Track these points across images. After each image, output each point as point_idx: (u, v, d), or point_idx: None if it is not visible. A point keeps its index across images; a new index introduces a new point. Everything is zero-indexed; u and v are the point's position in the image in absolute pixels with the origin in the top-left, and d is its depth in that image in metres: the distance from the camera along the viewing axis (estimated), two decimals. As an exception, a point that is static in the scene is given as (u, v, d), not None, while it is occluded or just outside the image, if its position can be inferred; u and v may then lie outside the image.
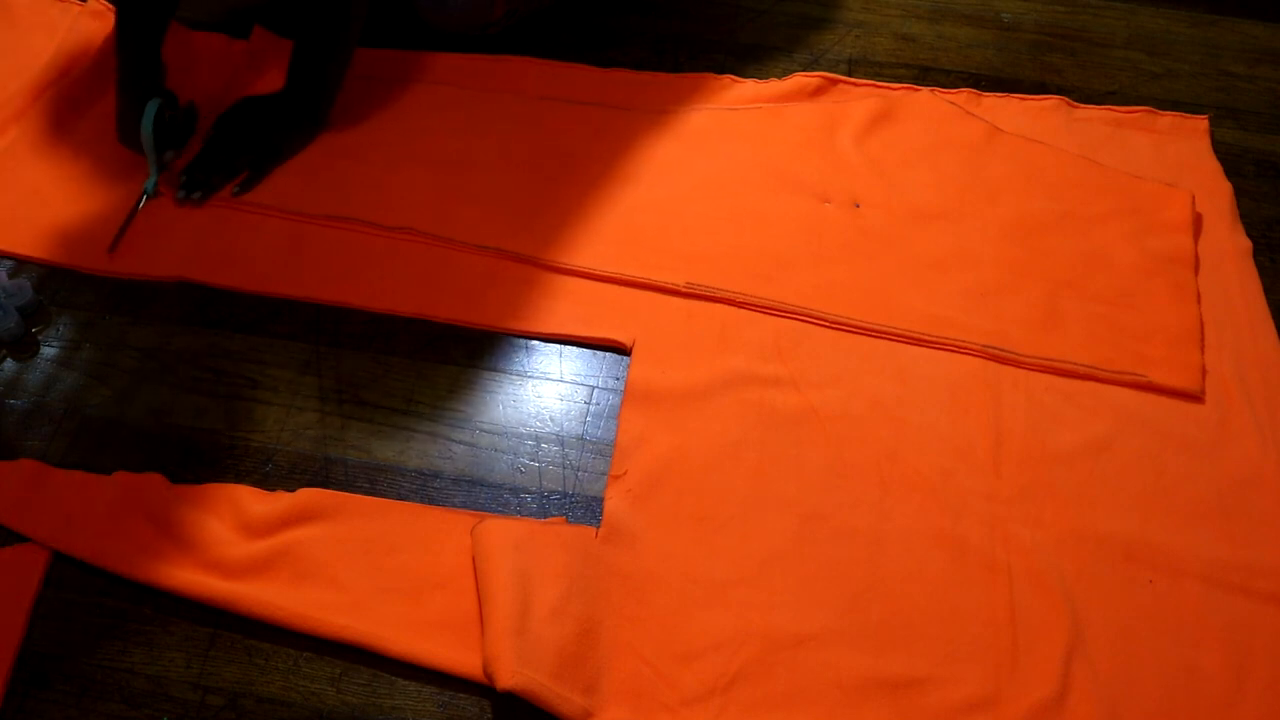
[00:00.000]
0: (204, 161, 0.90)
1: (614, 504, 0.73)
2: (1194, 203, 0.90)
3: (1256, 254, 0.88)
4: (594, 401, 0.80)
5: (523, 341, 0.83)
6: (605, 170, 0.93)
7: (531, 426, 0.79)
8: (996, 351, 0.81)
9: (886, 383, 0.80)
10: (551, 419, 0.79)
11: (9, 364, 0.82)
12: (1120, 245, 0.87)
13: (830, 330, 0.83)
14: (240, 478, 0.75)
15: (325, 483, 0.75)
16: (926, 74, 1.04)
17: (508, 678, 0.61)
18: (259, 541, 0.70)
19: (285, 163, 0.93)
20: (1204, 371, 0.80)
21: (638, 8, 1.10)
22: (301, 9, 0.89)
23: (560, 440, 0.78)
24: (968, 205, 0.91)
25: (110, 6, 1.04)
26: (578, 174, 0.93)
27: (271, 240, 0.89)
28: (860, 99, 0.99)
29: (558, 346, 0.83)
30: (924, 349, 0.82)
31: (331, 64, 0.92)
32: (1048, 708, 0.64)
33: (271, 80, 0.99)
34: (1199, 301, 0.84)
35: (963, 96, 1.00)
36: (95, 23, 1.05)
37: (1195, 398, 0.79)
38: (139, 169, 0.91)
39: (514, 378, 0.81)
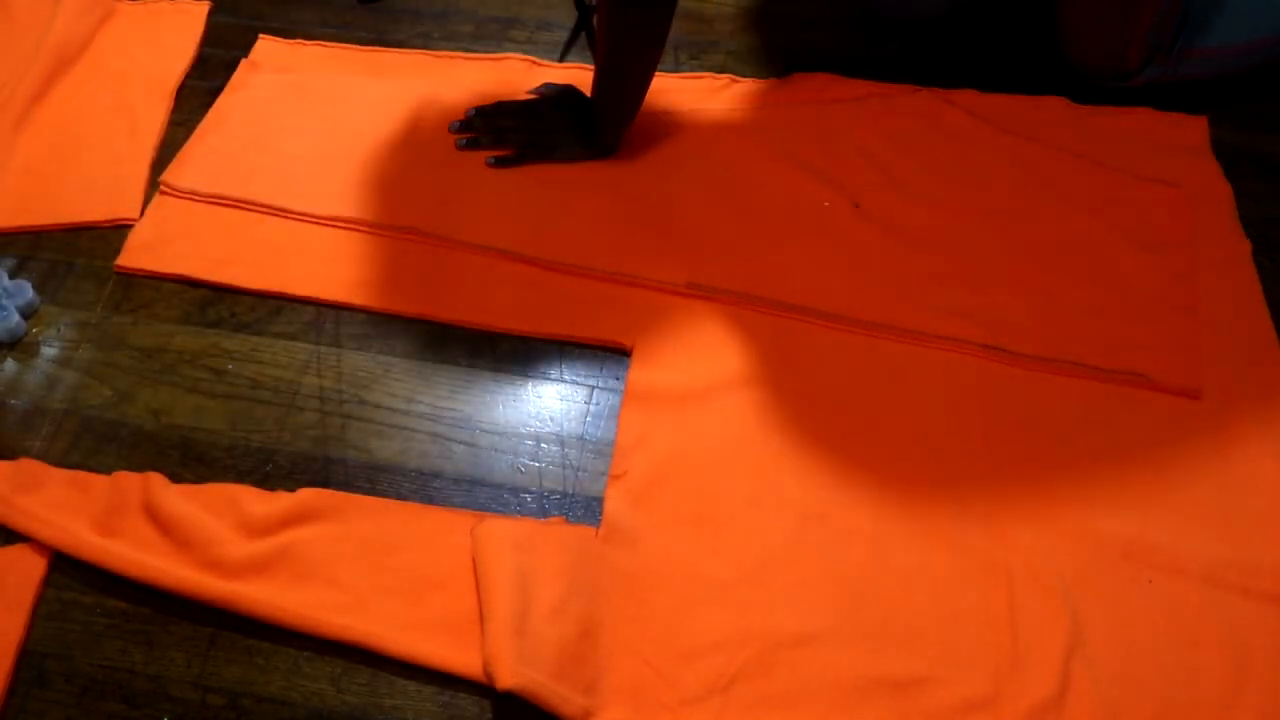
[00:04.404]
0: (490, 114, 0.94)
1: (614, 504, 0.73)
2: (1194, 203, 0.90)
3: (1256, 254, 0.88)
4: (594, 401, 0.80)
5: (523, 341, 0.83)
6: (605, 170, 0.93)
7: (531, 426, 0.79)
8: (995, 351, 0.81)
9: (886, 382, 0.80)
10: (551, 419, 0.79)
11: (9, 364, 0.82)
12: (1120, 245, 0.87)
13: (830, 330, 0.83)
14: (240, 478, 0.75)
15: (325, 483, 0.75)
16: (926, 74, 1.04)
17: (508, 677, 0.61)
18: (259, 541, 0.70)
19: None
20: (1203, 371, 0.80)
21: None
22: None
23: (560, 440, 0.78)
24: (967, 205, 0.91)
25: None
26: (577, 174, 0.93)
27: (271, 240, 0.89)
28: (860, 99, 0.99)
29: (558, 346, 0.83)
30: (923, 348, 0.82)
31: (600, 94, 0.88)
32: (1047, 708, 0.64)
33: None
34: (1198, 301, 0.84)
35: (963, 96, 1.00)
36: (93, 15, 1.05)
37: (1194, 397, 0.79)
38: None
39: (514, 378, 0.81)
